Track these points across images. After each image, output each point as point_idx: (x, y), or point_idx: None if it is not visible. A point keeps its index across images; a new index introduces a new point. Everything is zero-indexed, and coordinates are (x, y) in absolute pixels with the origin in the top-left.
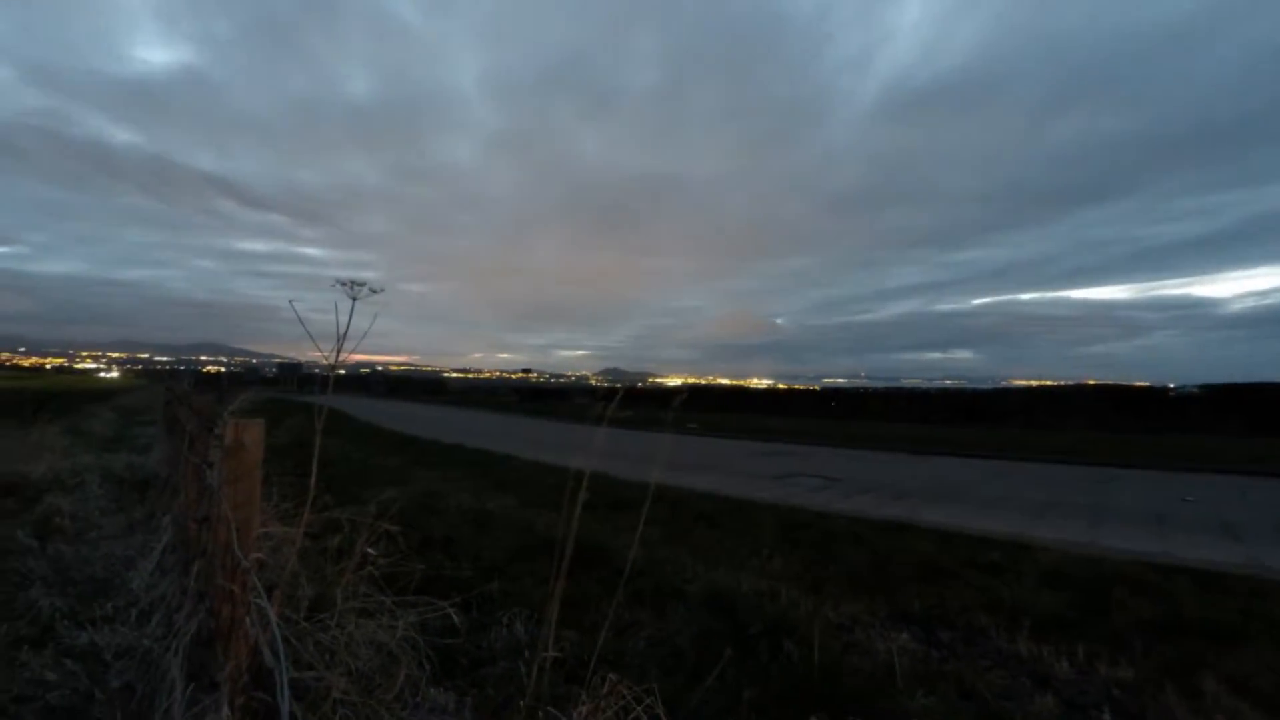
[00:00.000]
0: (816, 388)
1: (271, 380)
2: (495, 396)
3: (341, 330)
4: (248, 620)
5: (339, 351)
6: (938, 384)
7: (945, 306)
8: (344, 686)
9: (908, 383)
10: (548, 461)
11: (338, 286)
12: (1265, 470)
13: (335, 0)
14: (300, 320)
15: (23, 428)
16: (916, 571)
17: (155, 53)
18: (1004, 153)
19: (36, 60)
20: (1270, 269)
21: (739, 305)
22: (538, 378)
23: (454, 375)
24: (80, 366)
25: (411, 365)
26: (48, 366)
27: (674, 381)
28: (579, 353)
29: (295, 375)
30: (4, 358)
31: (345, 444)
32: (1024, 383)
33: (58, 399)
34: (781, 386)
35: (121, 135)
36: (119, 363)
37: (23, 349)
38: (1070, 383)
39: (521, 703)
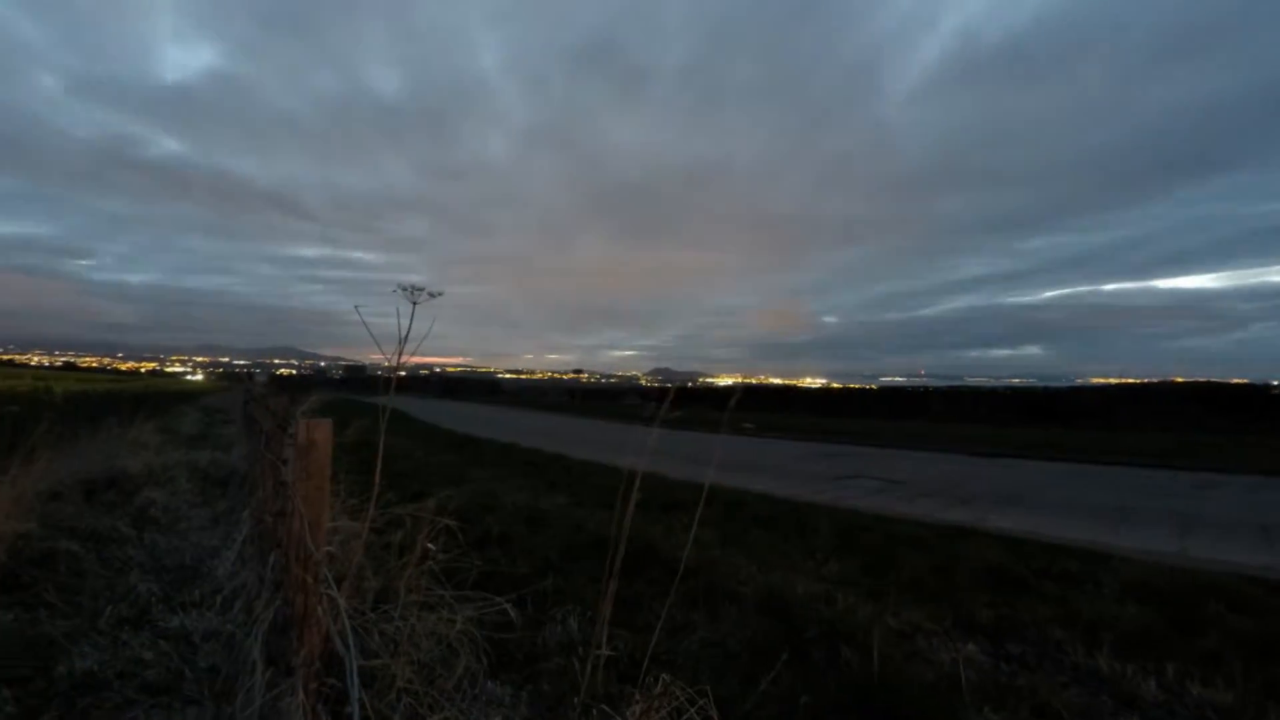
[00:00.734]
0: (873, 386)
1: (338, 382)
2: (547, 397)
3: (402, 334)
4: (320, 610)
5: (400, 354)
6: (1005, 382)
7: (1013, 299)
8: (408, 676)
9: (971, 381)
10: (599, 461)
11: (399, 292)
12: None
13: None
14: (365, 325)
15: (122, 426)
16: (984, 580)
17: (189, 58)
18: (1087, 123)
19: (80, 71)
20: None
21: (787, 301)
22: (589, 378)
23: (507, 376)
24: (169, 370)
25: (467, 367)
26: (142, 370)
27: (724, 381)
28: (627, 353)
29: (360, 377)
30: (105, 362)
31: (406, 443)
32: (1102, 381)
33: (150, 400)
34: (835, 386)
35: (169, 144)
36: (202, 366)
37: (120, 354)
38: (1155, 380)
39: (576, 699)
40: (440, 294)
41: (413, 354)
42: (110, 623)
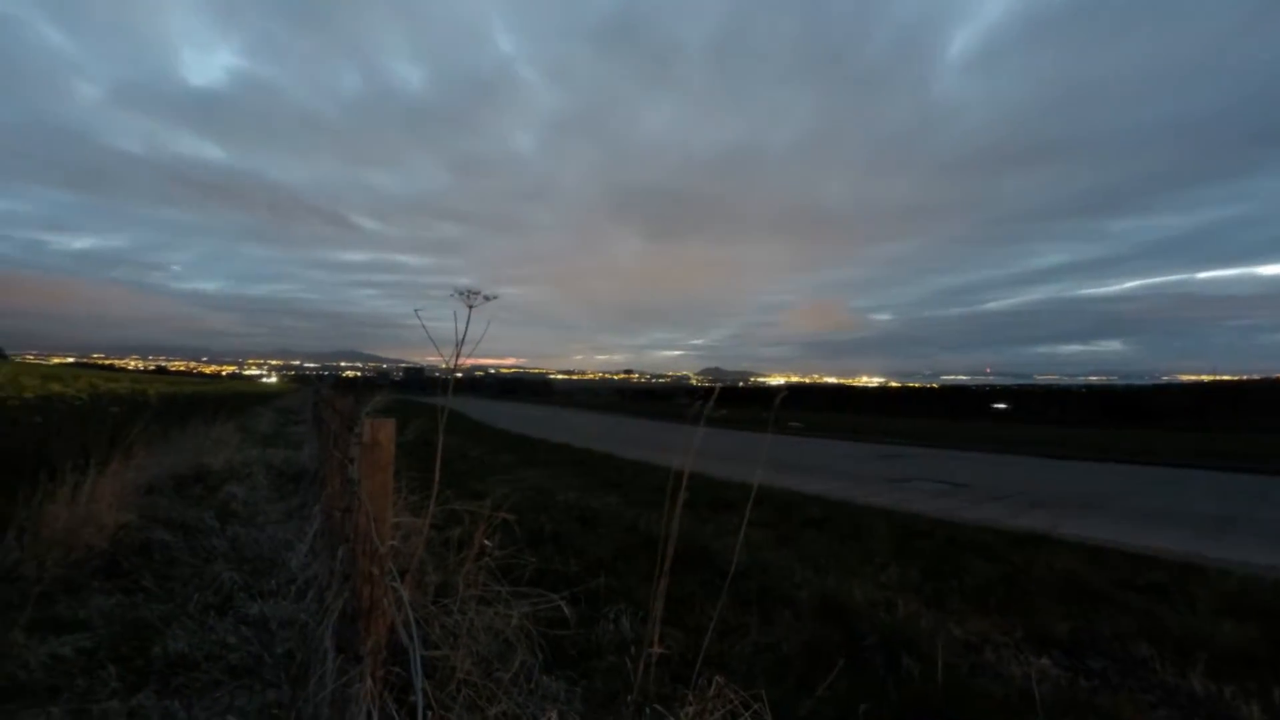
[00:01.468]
0: (935, 385)
1: (399, 384)
2: (598, 397)
3: (459, 336)
4: (385, 601)
5: (458, 355)
6: (1080, 380)
7: (1090, 290)
8: (467, 667)
9: (1042, 379)
10: (649, 461)
11: (456, 295)
12: None
13: None
14: (424, 328)
15: (207, 426)
16: (1059, 590)
17: (216, 61)
18: (1178, 86)
19: (119, 78)
20: None
21: (832, 298)
22: (639, 378)
23: (559, 377)
24: (248, 373)
25: (520, 368)
26: (223, 373)
27: (775, 380)
28: (677, 353)
29: (418, 379)
30: (192, 366)
31: (463, 442)
32: (1192, 378)
33: (230, 401)
34: (894, 385)
35: (211, 151)
36: (276, 369)
37: (205, 358)
38: (1255, 377)
39: (629, 697)
40: (495, 297)
41: (469, 356)
42: (198, 608)
